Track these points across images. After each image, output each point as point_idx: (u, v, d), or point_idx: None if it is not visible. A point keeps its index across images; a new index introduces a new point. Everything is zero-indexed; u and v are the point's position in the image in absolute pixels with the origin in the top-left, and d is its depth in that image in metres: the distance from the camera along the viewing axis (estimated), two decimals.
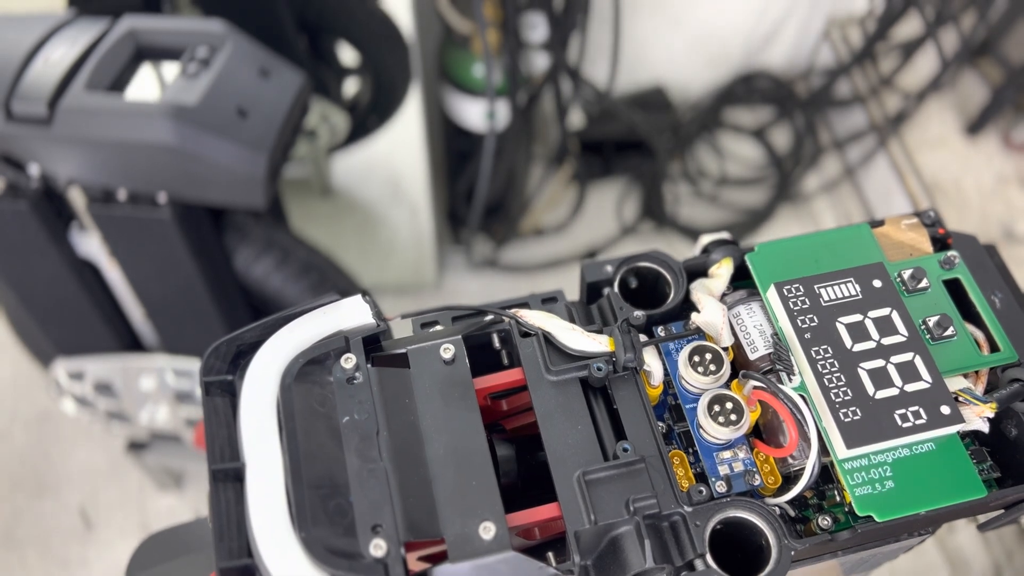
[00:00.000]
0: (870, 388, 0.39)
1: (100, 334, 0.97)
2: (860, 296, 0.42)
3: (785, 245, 0.45)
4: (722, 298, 0.45)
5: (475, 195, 1.39)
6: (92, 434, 1.38)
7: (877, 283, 0.42)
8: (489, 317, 0.44)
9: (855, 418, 0.38)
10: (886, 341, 0.40)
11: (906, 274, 0.43)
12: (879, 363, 0.40)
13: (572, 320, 0.44)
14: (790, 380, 0.41)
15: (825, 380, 0.39)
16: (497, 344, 0.45)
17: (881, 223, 0.46)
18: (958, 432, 0.39)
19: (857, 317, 0.41)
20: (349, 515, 0.36)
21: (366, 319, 0.42)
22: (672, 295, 0.45)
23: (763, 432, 0.42)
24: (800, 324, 0.41)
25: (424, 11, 1.21)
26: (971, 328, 0.43)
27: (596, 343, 0.41)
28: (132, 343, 1.01)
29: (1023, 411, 0.40)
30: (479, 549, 0.36)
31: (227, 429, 0.39)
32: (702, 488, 0.38)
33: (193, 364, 0.98)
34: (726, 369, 0.41)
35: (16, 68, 0.74)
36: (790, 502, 0.40)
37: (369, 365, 0.41)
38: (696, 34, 1.66)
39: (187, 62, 0.75)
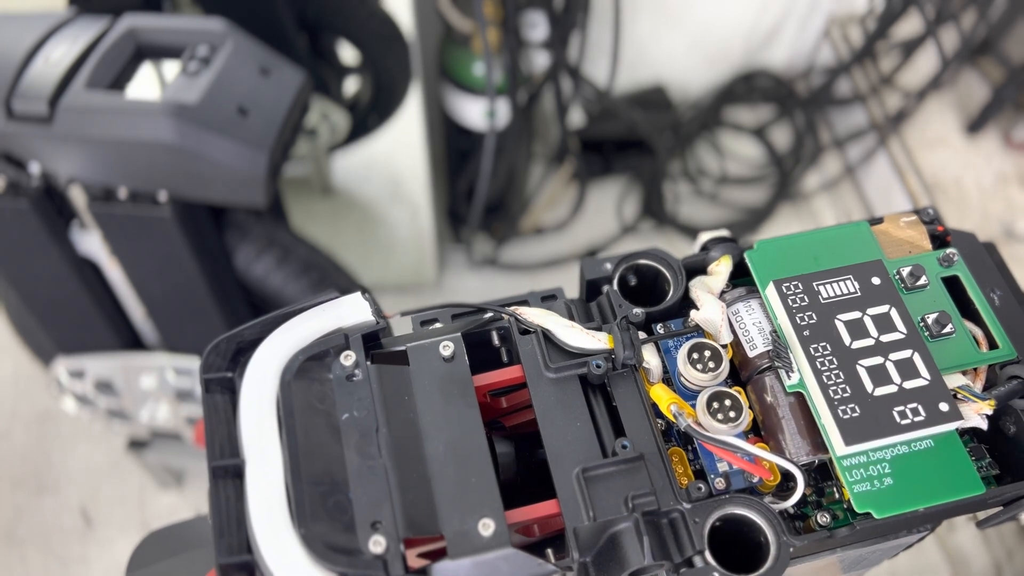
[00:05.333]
0: (869, 385, 0.39)
1: (101, 332, 0.97)
2: (859, 293, 0.42)
3: (784, 242, 0.45)
4: (721, 295, 0.45)
5: (475, 194, 1.39)
6: (93, 433, 1.38)
7: (876, 280, 0.42)
8: (488, 315, 0.44)
9: (854, 415, 0.38)
10: (885, 338, 0.40)
11: (905, 271, 0.43)
12: (878, 360, 0.40)
13: (571, 317, 0.44)
14: (788, 377, 0.41)
15: (824, 377, 0.39)
16: (496, 341, 0.45)
17: (880, 220, 0.46)
18: (957, 429, 0.39)
19: (856, 314, 0.41)
20: (349, 512, 0.36)
21: (366, 316, 0.42)
22: (671, 292, 0.45)
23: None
24: (799, 321, 0.41)
25: (424, 10, 1.21)
26: (970, 325, 0.43)
27: (595, 340, 0.42)
28: (133, 341, 1.01)
29: (1022, 408, 0.40)
30: (478, 546, 0.36)
31: (227, 426, 0.39)
32: (701, 485, 0.38)
33: (193, 362, 0.98)
34: (725, 366, 0.41)
35: (17, 67, 0.74)
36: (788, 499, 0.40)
37: (368, 362, 0.41)
38: (696, 33, 1.66)
39: (187, 61, 0.75)
